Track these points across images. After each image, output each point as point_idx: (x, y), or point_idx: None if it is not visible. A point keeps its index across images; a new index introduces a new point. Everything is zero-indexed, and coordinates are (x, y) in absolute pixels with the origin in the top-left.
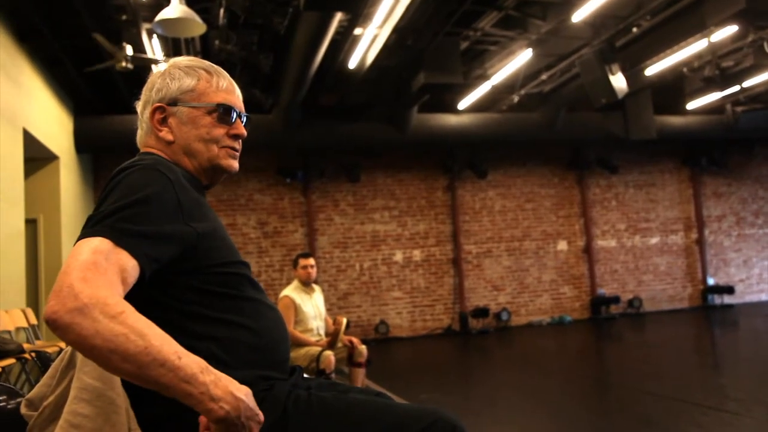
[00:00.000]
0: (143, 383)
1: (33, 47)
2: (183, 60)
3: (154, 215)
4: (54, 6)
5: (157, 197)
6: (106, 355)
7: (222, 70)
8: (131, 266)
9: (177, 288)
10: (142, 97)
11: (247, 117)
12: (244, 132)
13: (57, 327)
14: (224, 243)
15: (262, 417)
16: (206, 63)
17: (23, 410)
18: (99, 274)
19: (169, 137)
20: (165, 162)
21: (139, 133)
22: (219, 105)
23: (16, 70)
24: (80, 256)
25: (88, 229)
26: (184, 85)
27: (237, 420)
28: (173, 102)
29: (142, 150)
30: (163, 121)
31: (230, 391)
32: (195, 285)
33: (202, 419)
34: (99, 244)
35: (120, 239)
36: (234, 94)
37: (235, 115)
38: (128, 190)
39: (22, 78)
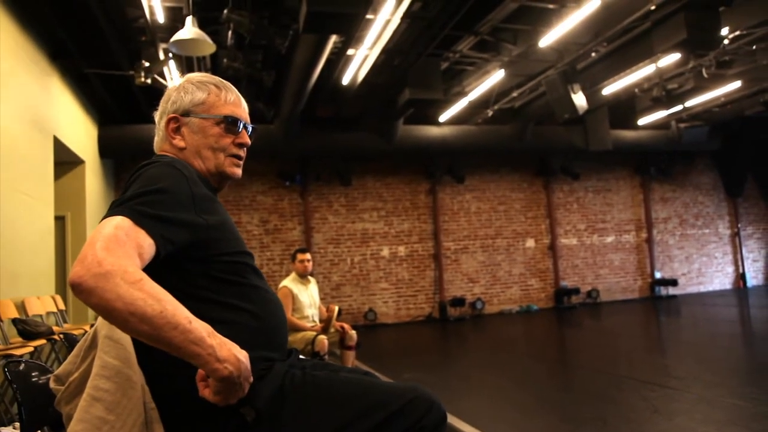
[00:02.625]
0: (157, 343)
1: (63, 65)
2: (196, 76)
3: (170, 203)
4: (82, 29)
5: (173, 189)
6: (125, 317)
7: (230, 85)
8: (148, 244)
9: (190, 274)
10: (160, 107)
11: (252, 128)
12: (249, 141)
13: (81, 291)
14: (232, 234)
15: (251, 378)
16: (217, 79)
17: (52, 385)
18: (119, 246)
19: (182, 144)
20: (181, 161)
21: (156, 139)
22: (226, 117)
23: (48, 85)
24: (103, 230)
25: (113, 210)
26: (195, 98)
27: (237, 379)
28: (186, 113)
29: (158, 154)
30: (177, 130)
31: (233, 353)
32: (205, 272)
33: (200, 373)
34: (120, 221)
35: (139, 220)
36: (240, 107)
37: (240, 126)
38: (148, 181)
39: (54, 91)
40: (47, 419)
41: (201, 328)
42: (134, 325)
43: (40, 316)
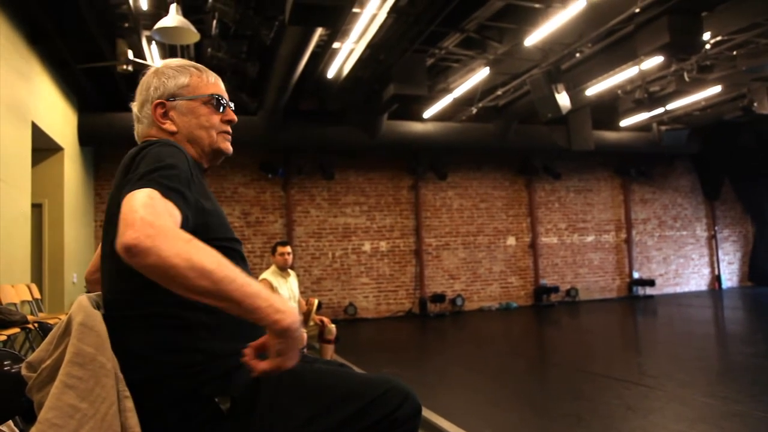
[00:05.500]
0: (215, 300)
1: (43, 49)
2: (172, 61)
3: (182, 180)
4: (63, 12)
5: (181, 167)
6: (185, 273)
7: (207, 68)
8: (176, 215)
9: None
10: (139, 97)
11: (231, 105)
12: (235, 117)
13: (138, 252)
14: (222, 221)
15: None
16: (192, 62)
17: (24, 372)
18: (160, 212)
19: (173, 128)
20: (178, 144)
21: (140, 127)
22: (212, 95)
23: (27, 69)
24: (139, 200)
25: (135, 184)
26: (179, 81)
27: (295, 332)
28: (172, 97)
29: (144, 140)
30: (165, 115)
31: (288, 306)
32: None
33: (252, 348)
34: (150, 192)
35: (165, 192)
36: (221, 87)
37: (225, 103)
38: (158, 157)
39: (33, 76)
40: (19, 409)
41: (254, 282)
42: (194, 281)
43: (15, 304)
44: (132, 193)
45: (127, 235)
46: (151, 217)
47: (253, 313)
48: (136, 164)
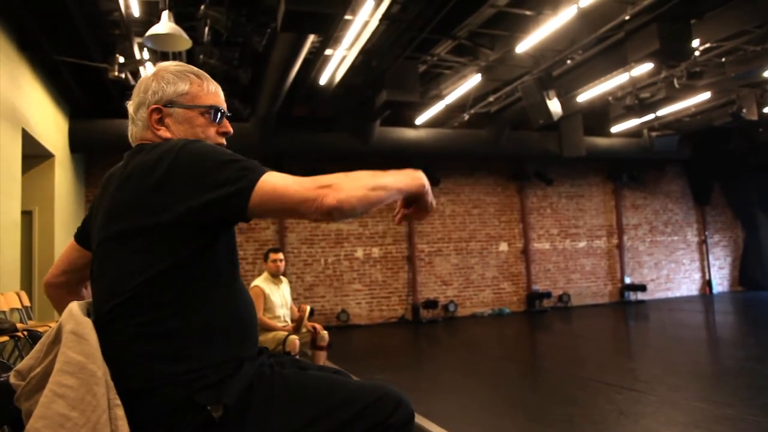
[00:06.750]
0: (388, 198)
1: (34, 56)
2: (172, 65)
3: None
4: (54, 19)
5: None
6: (371, 195)
7: (207, 75)
8: None
9: (192, 258)
10: (135, 98)
11: (229, 115)
12: (231, 130)
13: (343, 204)
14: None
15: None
16: (194, 68)
17: (12, 380)
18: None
19: (167, 135)
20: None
21: (134, 129)
22: (211, 107)
23: (17, 76)
24: (288, 178)
25: (255, 174)
26: (179, 88)
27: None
28: (169, 104)
29: (138, 143)
30: (160, 121)
31: (414, 172)
32: (209, 259)
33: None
34: (272, 173)
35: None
36: (220, 97)
37: (223, 115)
38: (219, 151)
39: (23, 83)
40: (7, 418)
41: (390, 172)
42: (378, 196)
43: (4, 312)
44: (268, 177)
45: (327, 200)
46: (314, 181)
47: (406, 192)
48: (169, 172)
